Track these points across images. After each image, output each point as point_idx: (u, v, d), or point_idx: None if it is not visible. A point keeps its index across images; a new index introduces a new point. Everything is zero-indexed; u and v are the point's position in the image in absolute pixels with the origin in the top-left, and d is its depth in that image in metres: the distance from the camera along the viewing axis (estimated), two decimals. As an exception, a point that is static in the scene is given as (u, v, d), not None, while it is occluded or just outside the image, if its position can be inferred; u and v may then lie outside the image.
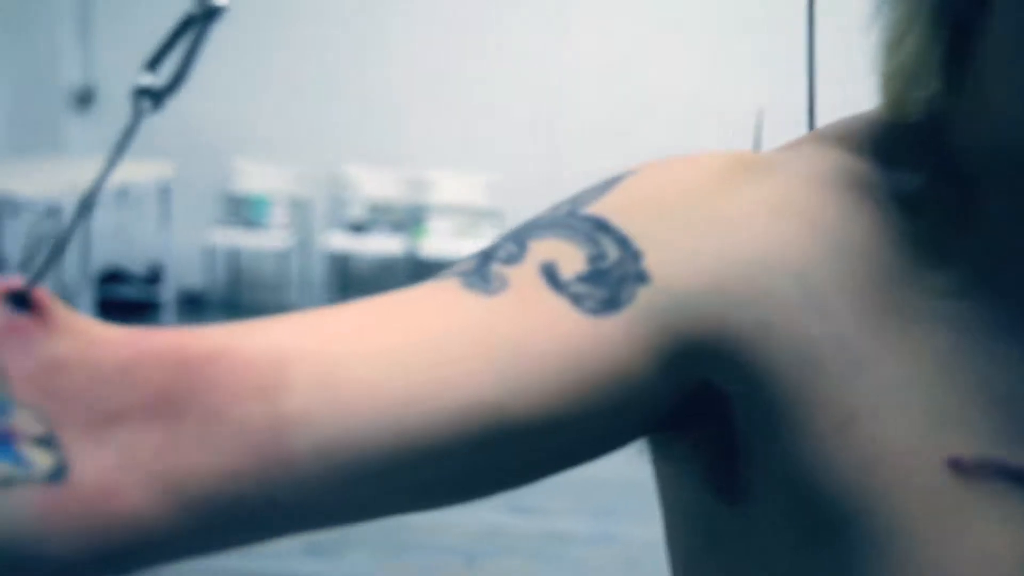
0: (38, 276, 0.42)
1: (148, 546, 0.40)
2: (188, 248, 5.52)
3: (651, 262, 0.45)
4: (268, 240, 5.61)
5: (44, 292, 0.41)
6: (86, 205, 0.45)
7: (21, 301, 0.40)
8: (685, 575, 0.55)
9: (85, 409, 0.39)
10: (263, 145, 5.81)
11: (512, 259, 0.45)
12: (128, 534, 0.39)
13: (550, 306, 0.43)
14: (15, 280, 0.41)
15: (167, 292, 5.27)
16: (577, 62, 5.80)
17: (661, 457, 0.54)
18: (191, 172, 5.43)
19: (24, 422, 0.39)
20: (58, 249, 0.44)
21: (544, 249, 0.45)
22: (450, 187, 5.81)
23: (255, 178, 5.75)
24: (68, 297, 4.73)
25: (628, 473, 3.29)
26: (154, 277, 5.55)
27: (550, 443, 0.44)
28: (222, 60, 5.74)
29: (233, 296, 5.86)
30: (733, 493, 0.49)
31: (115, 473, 0.39)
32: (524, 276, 0.44)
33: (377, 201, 5.78)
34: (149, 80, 0.49)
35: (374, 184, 5.75)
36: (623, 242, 0.46)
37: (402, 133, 5.77)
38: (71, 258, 5.24)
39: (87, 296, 4.41)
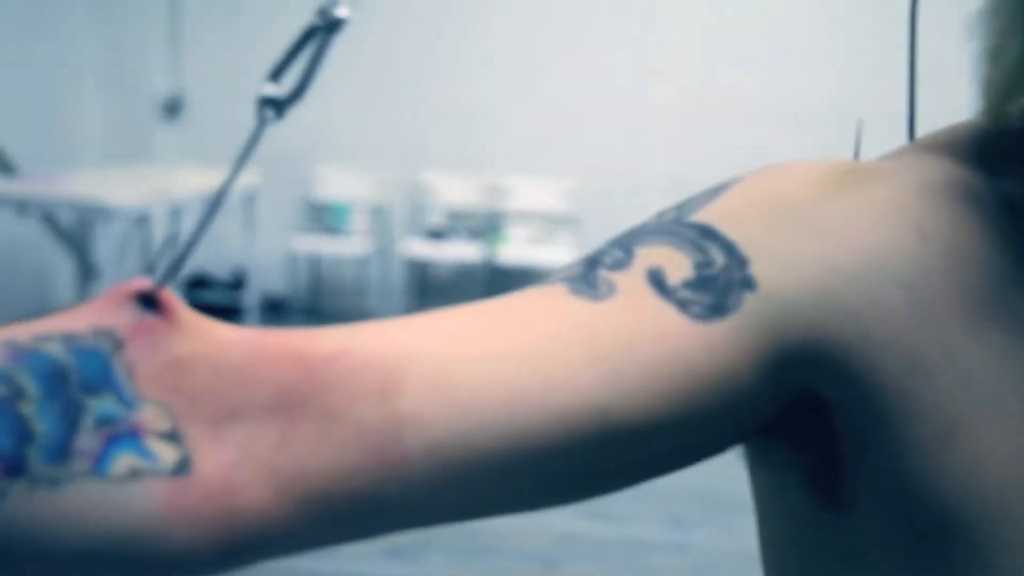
0: (165, 278, 0.43)
1: (264, 541, 0.41)
2: (271, 254, 5.63)
3: (757, 269, 0.45)
4: (348, 247, 5.70)
5: (170, 294, 0.43)
6: (213, 207, 0.48)
7: (148, 302, 0.42)
8: None
9: (207, 406, 0.41)
10: (344, 153, 5.90)
11: (619, 265, 0.46)
12: (246, 528, 0.40)
13: (657, 312, 0.44)
14: (143, 282, 0.43)
15: (250, 298, 5.38)
16: (657, 66, 5.78)
17: (759, 464, 0.54)
18: (275, 180, 5.54)
19: (150, 418, 0.40)
20: (185, 252, 0.47)
21: (651, 255, 0.46)
22: (528, 194, 5.83)
23: (336, 185, 5.84)
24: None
25: (702, 484, 3.28)
26: (238, 283, 5.68)
27: (654, 446, 0.44)
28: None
29: (314, 302, 5.97)
30: (835, 502, 0.48)
31: (235, 469, 0.40)
32: (631, 282, 0.45)
33: (456, 208, 5.83)
34: (273, 90, 0.51)
35: (453, 191, 5.81)
36: (730, 249, 0.46)
37: (480, 140, 5.82)
38: (161, 263, 5.39)
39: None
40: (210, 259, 5.72)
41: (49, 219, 5.21)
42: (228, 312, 5.46)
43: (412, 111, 5.84)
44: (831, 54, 5.71)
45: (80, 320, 0.42)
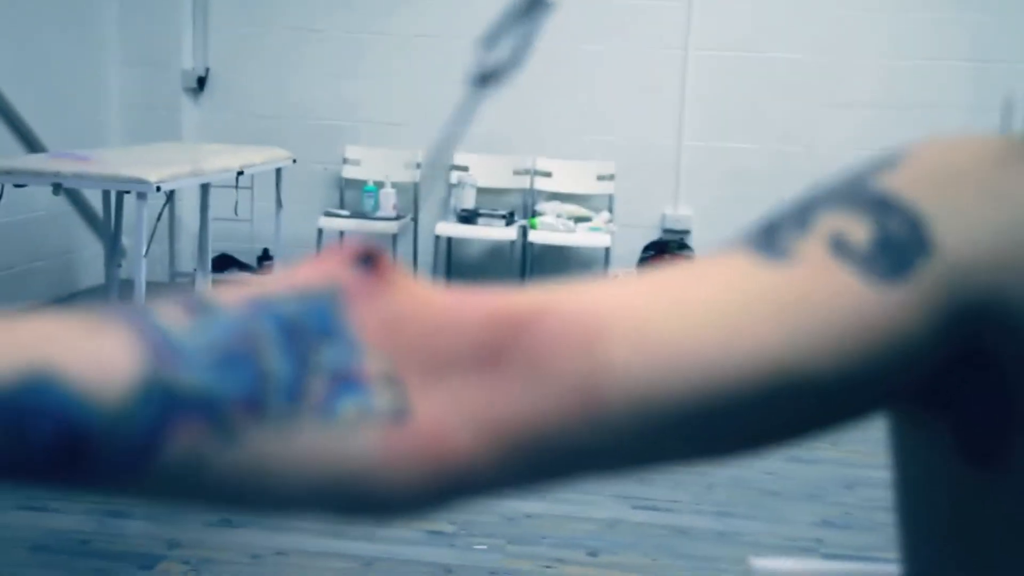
0: (378, 243, 0.46)
1: (471, 484, 0.44)
2: (300, 234, 5.58)
3: (936, 234, 0.47)
4: (377, 226, 5.64)
5: (386, 255, 0.46)
6: (440, 153, 0.48)
7: (368, 262, 0.45)
8: (924, 544, 0.57)
9: (420, 358, 0.44)
10: (374, 133, 5.84)
11: (799, 231, 0.48)
12: (456, 472, 0.43)
13: (837, 275, 0.46)
14: (363, 244, 0.46)
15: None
16: (695, 48, 5.71)
17: (906, 424, 0.56)
18: (305, 158, 5.49)
19: (372, 367, 0.43)
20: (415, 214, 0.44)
21: (830, 221, 0.48)
22: (561, 176, 5.77)
23: (366, 165, 5.79)
24: (188, 280, 4.83)
25: (743, 474, 3.22)
26: (264, 261, 5.64)
27: (830, 402, 0.47)
28: (336, 48, 5.80)
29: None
30: (993, 462, 0.50)
31: (446, 417, 0.43)
32: (812, 247, 0.47)
33: (487, 188, 5.77)
34: (483, 62, 0.54)
35: (484, 172, 5.75)
36: (907, 215, 0.48)
37: (513, 121, 5.75)
38: (191, 243, 5.35)
39: (204, 279, 4.49)
40: (237, 238, 5.67)
41: (76, 197, 5.17)
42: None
43: (444, 91, 5.77)
44: (874, 37, 5.62)
45: (307, 276, 0.45)
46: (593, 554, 2.85)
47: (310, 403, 0.42)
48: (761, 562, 0.76)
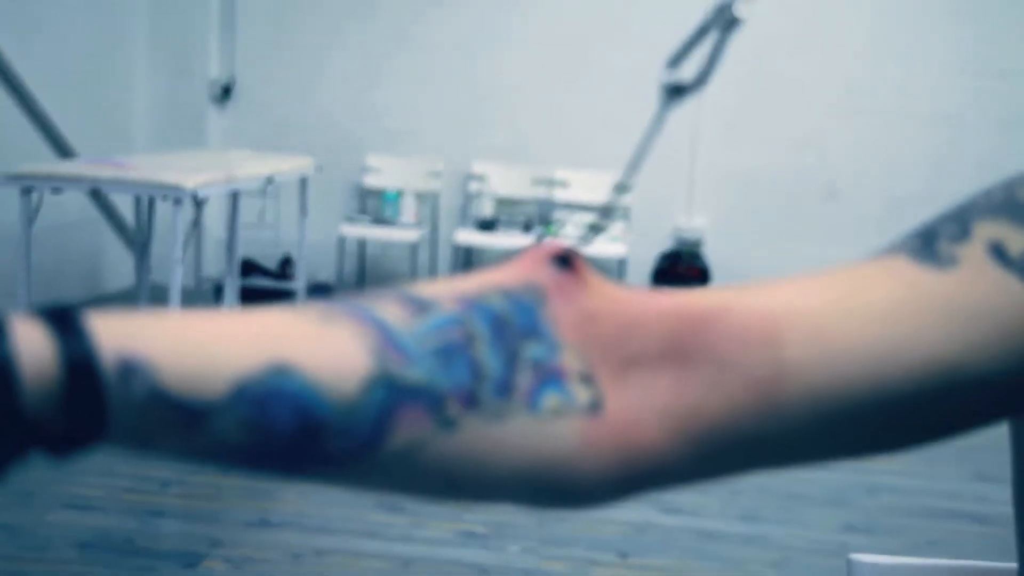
0: (580, 244, 0.51)
1: (658, 474, 0.47)
2: (321, 241, 5.65)
3: None
4: (398, 234, 5.71)
5: (580, 255, 0.49)
6: (630, 172, 0.53)
7: (563, 262, 0.49)
8: None
9: (612, 354, 0.47)
10: (395, 141, 5.91)
11: (958, 238, 0.50)
12: (644, 463, 0.46)
13: (999, 280, 0.48)
14: (560, 244, 0.49)
15: (299, 283, 5.41)
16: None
17: None
18: (326, 167, 5.56)
19: (570, 362, 0.46)
20: (605, 216, 0.50)
21: (989, 230, 0.50)
22: (578, 185, 5.84)
23: (387, 173, 5.86)
24: (217, 287, 4.89)
25: (766, 481, 3.28)
26: (284, 270, 5.70)
27: (995, 399, 0.49)
28: (358, 58, 5.87)
29: (361, 288, 5.99)
30: None
31: (635, 410, 0.46)
32: (973, 254, 0.49)
33: (505, 198, 5.84)
34: (672, 77, 0.56)
35: (503, 181, 5.82)
36: None
37: (531, 130, 5.82)
38: (215, 248, 5.41)
39: (231, 285, 4.55)
40: (259, 246, 5.74)
41: (105, 202, 5.23)
42: (277, 296, 5.49)
43: (464, 101, 5.85)
44: (887, 45, 5.70)
45: (510, 275, 0.48)
46: (624, 556, 2.92)
47: (518, 398, 0.45)
48: (860, 557, 0.78)
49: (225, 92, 5.92)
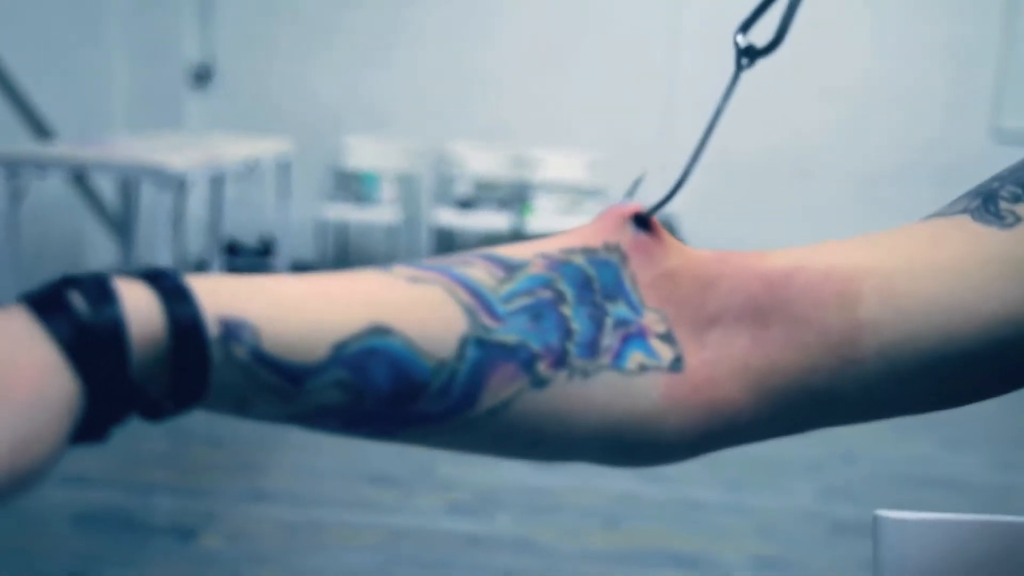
0: (659, 205, 0.52)
1: (734, 430, 0.49)
2: (300, 222, 5.67)
3: None
4: (377, 215, 5.74)
5: (656, 217, 0.51)
6: (700, 148, 0.55)
7: (641, 223, 0.51)
8: None
9: (690, 312, 0.49)
10: (374, 123, 5.93)
11: (1018, 199, 0.51)
12: (722, 418, 0.48)
13: None
14: (637, 205, 0.51)
15: (280, 264, 5.43)
16: (686, 37, 5.83)
17: None
18: (305, 148, 5.58)
19: (651, 321, 0.49)
20: (675, 188, 0.54)
21: None
22: (555, 165, 5.89)
23: (365, 155, 5.88)
24: (201, 267, 4.91)
25: (752, 449, 3.38)
26: (266, 250, 5.72)
27: None
28: (336, 40, 5.88)
29: (342, 269, 6.01)
30: None
31: (713, 367, 0.48)
32: None
33: (483, 178, 5.88)
34: (744, 41, 0.58)
35: (480, 161, 5.86)
36: None
37: (508, 111, 5.86)
38: (199, 230, 5.42)
39: (217, 265, 4.57)
40: (240, 226, 5.75)
41: (84, 185, 5.22)
42: (258, 279, 5.50)
43: (441, 82, 5.88)
44: (864, 27, 5.78)
45: (589, 236, 0.50)
46: (610, 524, 2.99)
47: (604, 356, 0.46)
48: (887, 513, 0.78)
49: (203, 74, 5.91)
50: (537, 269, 0.47)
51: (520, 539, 2.86)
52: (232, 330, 0.39)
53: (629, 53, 5.85)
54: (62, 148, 3.95)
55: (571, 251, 0.49)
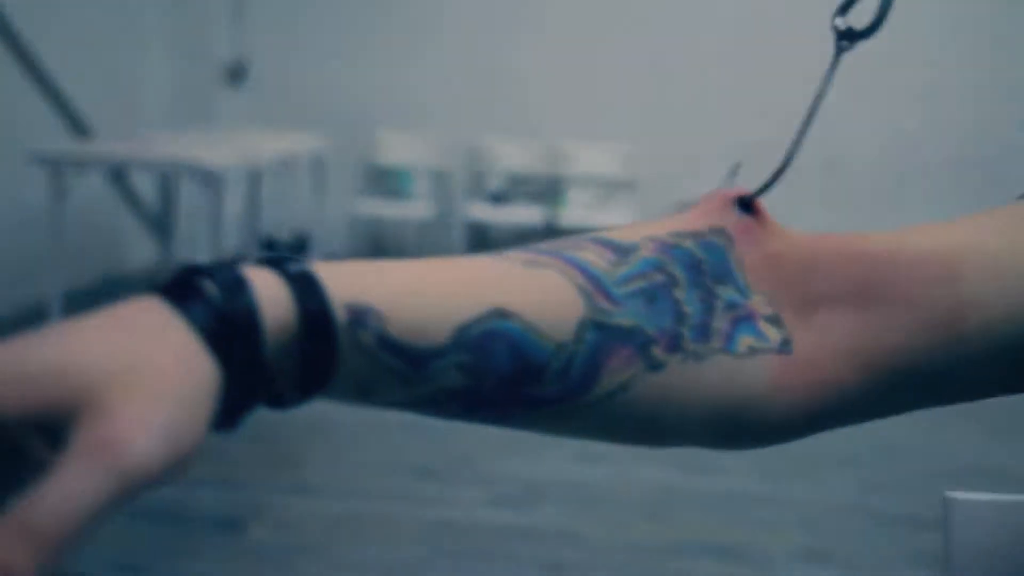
0: (763, 188, 0.53)
1: (841, 409, 0.49)
2: (334, 218, 5.70)
3: None
4: (410, 210, 5.77)
5: (760, 200, 0.52)
6: (802, 132, 0.56)
7: (745, 206, 0.51)
8: None
9: (795, 295, 0.50)
10: (406, 118, 5.95)
11: None
12: (829, 398, 0.49)
13: None
14: (742, 188, 0.52)
15: (315, 258, 5.46)
16: (717, 30, 5.82)
17: None
18: (338, 144, 5.60)
19: (759, 304, 0.49)
20: (782, 167, 0.54)
21: None
22: (587, 158, 5.89)
23: (399, 150, 5.91)
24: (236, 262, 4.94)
25: (792, 443, 3.37)
26: (300, 245, 5.75)
27: None
28: (369, 36, 5.90)
29: (376, 264, 6.04)
30: None
31: (819, 348, 0.49)
32: None
33: (516, 172, 5.89)
34: (843, 23, 0.58)
35: (512, 156, 5.87)
36: None
37: (540, 105, 5.87)
38: (235, 226, 5.46)
39: (253, 261, 4.61)
40: (275, 222, 5.79)
41: (122, 180, 5.27)
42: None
43: (473, 77, 5.89)
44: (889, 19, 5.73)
45: (697, 220, 0.51)
46: (653, 517, 3.00)
47: (716, 340, 0.47)
48: (957, 495, 0.77)
49: (237, 71, 5.95)
50: (648, 252, 0.47)
51: (564, 531, 2.87)
52: (359, 316, 0.39)
53: (661, 45, 5.84)
54: (102, 146, 3.99)
55: (680, 234, 0.49)
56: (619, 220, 5.67)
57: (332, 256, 5.79)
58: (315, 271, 0.39)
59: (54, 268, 3.68)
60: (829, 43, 0.55)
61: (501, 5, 5.87)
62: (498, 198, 5.78)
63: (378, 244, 6.16)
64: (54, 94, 4.74)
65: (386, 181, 5.93)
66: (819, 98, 0.56)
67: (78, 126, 4.93)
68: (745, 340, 0.48)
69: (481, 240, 6.02)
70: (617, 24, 5.83)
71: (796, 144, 0.55)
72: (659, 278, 0.47)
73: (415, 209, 5.75)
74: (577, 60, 5.82)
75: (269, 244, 5.79)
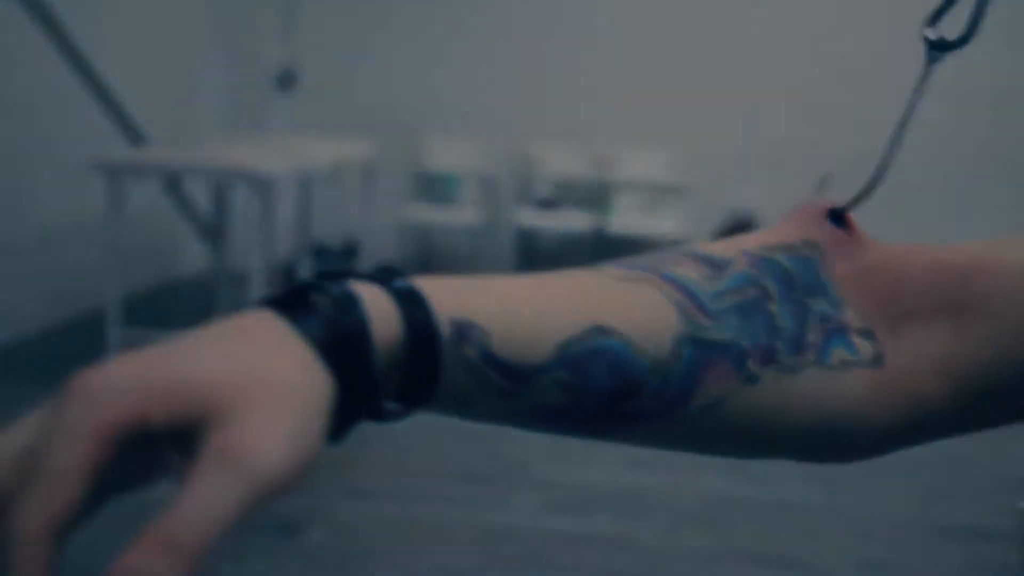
0: (854, 202, 0.52)
1: (933, 422, 0.49)
2: (383, 224, 5.73)
3: None
4: (459, 216, 5.79)
5: (851, 213, 0.51)
6: (895, 142, 0.55)
7: (837, 219, 0.51)
8: None
9: (887, 308, 0.49)
10: (454, 124, 5.97)
11: None
12: (922, 411, 0.49)
13: None
14: (833, 200, 0.51)
15: (364, 266, 5.49)
16: (765, 34, 5.78)
17: None
18: (387, 150, 5.64)
19: (851, 317, 0.49)
20: (874, 180, 0.54)
21: None
22: (635, 164, 5.87)
23: (447, 156, 5.93)
24: (288, 270, 4.99)
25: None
26: (350, 252, 5.79)
27: None
28: (417, 43, 5.94)
29: (424, 270, 6.05)
30: None
31: (913, 361, 0.49)
32: None
33: (563, 178, 5.89)
34: (934, 33, 0.57)
35: (561, 161, 5.87)
36: None
37: (588, 111, 5.86)
38: (285, 232, 5.51)
39: (305, 268, 4.65)
40: (324, 228, 5.83)
41: (176, 186, 5.34)
42: (342, 280, 5.57)
43: (521, 83, 5.90)
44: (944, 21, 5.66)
45: (789, 233, 0.51)
46: (709, 525, 2.98)
47: (809, 353, 0.47)
48: None
49: (287, 79, 6.01)
50: (742, 266, 0.48)
51: (617, 538, 2.86)
52: (463, 332, 0.40)
53: (709, 50, 5.81)
54: (159, 154, 4.04)
55: (772, 248, 0.49)
56: (668, 227, 5.64)
57: (383, 263, 5.80)
58: (420, 287, 0.39)
59: (112, 274, 3.73)
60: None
61: (550, 11, 5.87)
62: (546, 204, 5.79)
63: (427, 250, 6.18)
64: (110, 102, 4.81)
65: (434, 187, 5.96)
66: (911, 109, 0.56)
67: (133, 134, 5.00)
68: (838, 353, 0.48)
69: (529, 246, 6.03)
70: (666, 28, 5.81)
71: (889, 156, 0.54)
72: (753, 292, 0.47)
73: (463, 215, 5.77)
74: (625, 65, 5.81)
75: (320, 251, 5.84)
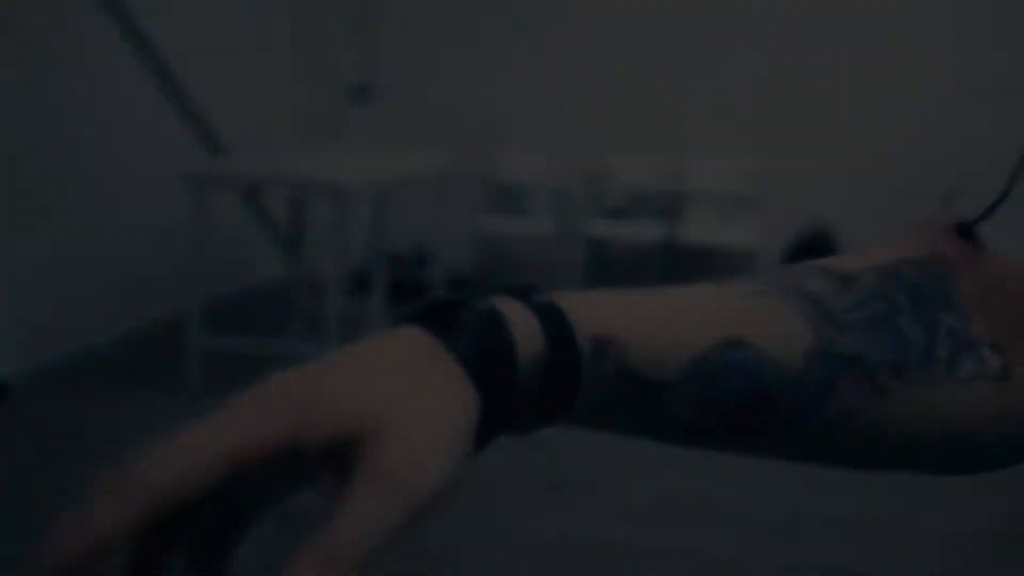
0: (982, 216, 0.52)
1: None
2: (457, 234, 5.77)
3: None
4: (531, 227, 5.81)
5: (977, 227, 0.52)
6: None
7: (964, 233, 0.51)
8: None
9: (1013, 323, 0.50)
10: (527, 135, 6.00)
11: None
12: None
13: None
14: (960, 216, 0.52)
15: (437, 276, 5.54)
16: (842, 40, 5.71)
17: None
18: (461, 161, 5.67)
19: (979, 331, 0.49)
20: (1003, 195, 0.54)
21: None
22: (708, 174, 5.84)
23: (519, 167, 5.96)
24: (363, 279, 5.06)
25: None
26: (421, 262, 5.84)
27: None
28: (490, 55, 5.98)
29: (497, 281, 6.08)
30: None
31: None
32: None
33: (636, 188, 5.88)
34: None
35: (633, 172, 5.86)
36: None
37: (660, 120, 5.84)
38: (360, 240, 5.59)
39: (379, 278, 4.70)
40: (397, 238, 5.89)
41: (253, 197, 5.45)
42: (415, 290, 5.63)
43: (593, 93, 5.91)
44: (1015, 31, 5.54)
45: (918, 247, 0.51)
46: (787, 539, 2.94)
47: (939, 365, 0.47)
48: None
49: (362, 90, 6.10)
50: (871, 281, 0.48)
51: (689, 549, 2.84)
52: (602, 347, 0.41)
53: (784, 60, 5.76)
54: (240, 165, 4.13)
55: (900, 262, 0.50)
56: (742, 237, 5.60)
57: (455, 273, 5.87)
58: (559, 303, 0.40)
59: (194, 281, 3.82)
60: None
61: (623, 22, 5.87)
62: (618, 214, 5.78)
63: (498, 260, 6.21)
64: (191, 114, 4.93)
65: (507, 198, 5.99)
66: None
67: (212, 144, 5.12)
68: (967, 367, 0.48)
69: (601, 257, 6.02)
70: (740, 36, 5.77)
71: (1020, 170, 0.54)
72: (882, 306, 0.47)
73: (535, 225, 5.79)
74: (699, 74, 5.78)
75: (393, 260, 5.90)
